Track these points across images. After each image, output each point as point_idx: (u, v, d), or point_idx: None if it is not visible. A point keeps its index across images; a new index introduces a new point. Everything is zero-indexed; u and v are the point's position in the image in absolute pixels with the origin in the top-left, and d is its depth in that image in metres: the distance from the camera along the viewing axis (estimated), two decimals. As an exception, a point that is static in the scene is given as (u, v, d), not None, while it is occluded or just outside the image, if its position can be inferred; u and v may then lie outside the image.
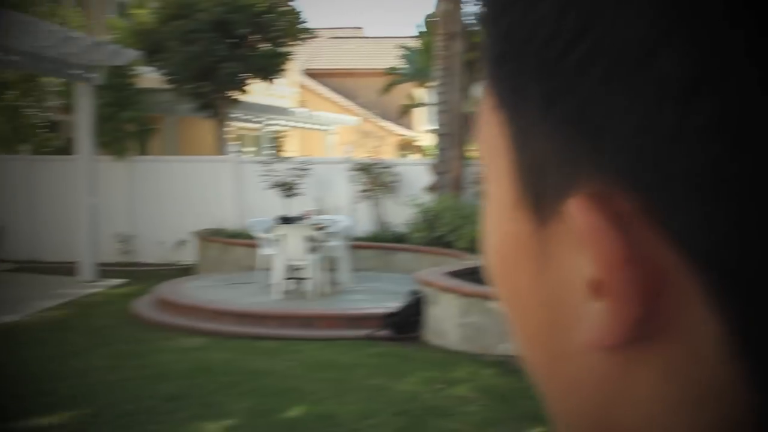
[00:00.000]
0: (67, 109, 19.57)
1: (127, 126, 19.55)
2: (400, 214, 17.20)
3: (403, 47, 22.50)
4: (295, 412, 8.49)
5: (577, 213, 0.42)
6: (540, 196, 0.45)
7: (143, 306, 13.51)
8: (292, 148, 30.14)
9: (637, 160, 0.40)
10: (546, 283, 0.46)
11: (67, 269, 17.61)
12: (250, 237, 15.68)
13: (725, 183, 0.38)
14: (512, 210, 0.47)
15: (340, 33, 49.94)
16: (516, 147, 0.46)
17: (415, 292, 11.74)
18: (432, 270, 12.54)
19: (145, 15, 22.05)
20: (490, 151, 0.49)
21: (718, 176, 0.38)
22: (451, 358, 10.38)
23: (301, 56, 37.27)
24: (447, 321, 11.01)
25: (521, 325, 0.49)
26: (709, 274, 0.40)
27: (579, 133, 0.41)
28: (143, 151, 21.68)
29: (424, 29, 19.29)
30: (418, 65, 20.17)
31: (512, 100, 0.45)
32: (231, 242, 16.83)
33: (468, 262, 12.90)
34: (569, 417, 0.48)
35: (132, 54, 17.45)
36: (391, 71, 22.16)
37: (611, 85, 0.39)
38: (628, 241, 0.41)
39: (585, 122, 0.41)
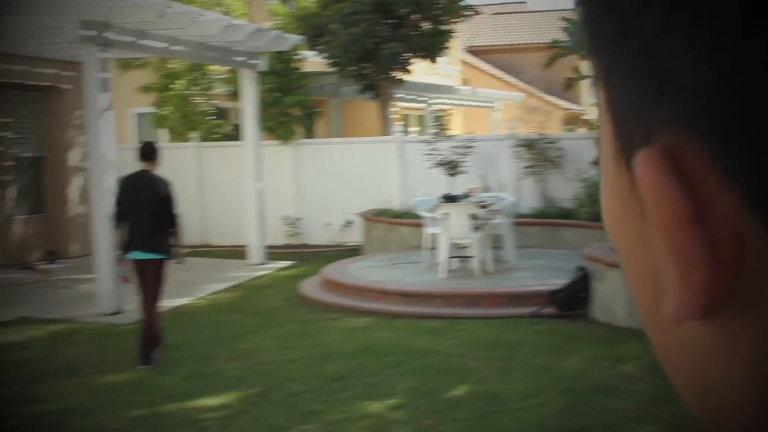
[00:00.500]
0: (234, 96, 19.96)
1: (291, 110, 19.81)
2: (565, 190, 16.92)
3: (565, 19, 22.07)
4: (458, 391, 8.44)
5: (640, 168, 0.39)
6: (628, 149, 0.42)
7: (310, 287, 13.68)
8: (455, 126, 30.07)
9: (698, 99, 0.37)
10: (645, 247, 0.43)
11: (236, 253, 18.00)
12: (415, 216, 15.69)
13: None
14: (613, 164, 0.44)
15: (503, 9, 49.60)
16: (605, 95, 0.43)
17: (581, 269, 11.54)
18: (599, 245, 12.30)
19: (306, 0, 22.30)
20: (599, 102, 0.46)
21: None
22: (619, 334, 10.15)
23: (464, 34, 37.14)
24: (614, 297, 10.78)
25: (631, 289, 0.47)
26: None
27: (646, 73, 0.38)
28: (308, 135, 21.95)
29: None
30: (579, 38, 19.79)
31: (592, 43, 0.43)
32: (396, 222, 16.88)
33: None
34: (681, 392, 0.44)
35: (294, 39, 17.65)
36: (554, 44, 21.78)
37: (671, 22, 0.37)
38: (695, 200, 0.38)
39: (650, 61, 0.38)
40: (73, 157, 18.99)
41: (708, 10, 0.35)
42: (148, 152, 10.11)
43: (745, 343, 0.38)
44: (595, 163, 16.66)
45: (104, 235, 12.69)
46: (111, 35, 12.97)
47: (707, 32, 0.36)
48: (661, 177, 0.38)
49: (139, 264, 9.76)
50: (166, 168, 18.72)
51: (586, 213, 15.38)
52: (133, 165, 9.95)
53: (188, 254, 17.94)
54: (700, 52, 0.36)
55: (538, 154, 17.61)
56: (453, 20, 21.69)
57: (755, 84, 0.34)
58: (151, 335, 9.79)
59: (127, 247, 9.79)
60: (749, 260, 0.37)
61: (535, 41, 42.09)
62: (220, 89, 20.96)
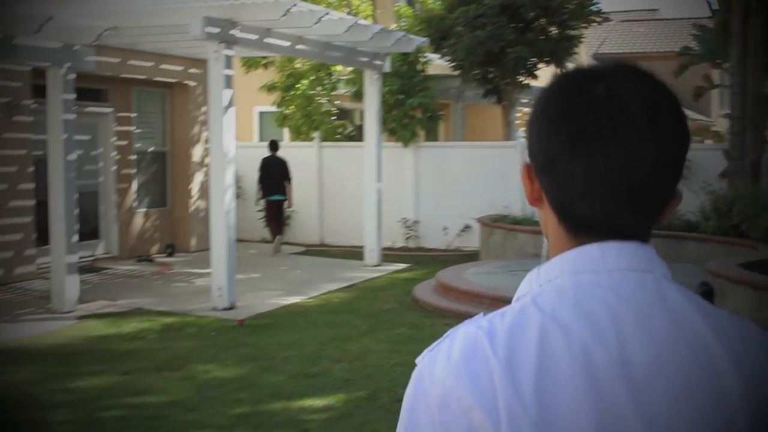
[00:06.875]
0: (357, 96, 19.95)
1: (414, 112, 19.69)
2: (691, 202, 16.42)
3: (696, 27, 21.47)
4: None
5: (521, 169, 1.47)
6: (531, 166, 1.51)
7: (425, 291, 13.54)
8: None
9: (533, 159, 1.45)
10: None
11: (353, 253, 17.98)
12: (534, 223, 15.41)
13: (547, 174, 1.43)
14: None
15: (634, 16, 48.84)
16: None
17: (704, 284, 11.12)
18: (724, 260, 11.88)
19: (432, 2, 22.17)
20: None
21: (545, 169, 1.42)
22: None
23: (590, 41, 36.53)
24: (739, 315, 10.33)
25: None
26: (547, 196, 1.45)
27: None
28: (430, 138, 21.82)
29: (717, 7, 18.27)
30: (712, 45, 19.19)
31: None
32: (515, 228, 16.60)
33: (763, 252, 12.13)
34: None
35: (419, 41, 17.50)
36: (684, 52, 21.22)
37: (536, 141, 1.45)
38: (529, 171, 1.46)
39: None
40: (196, 153, 19.22)
41: (545, 144, 1.42)
42: (275, 145, 18.77)
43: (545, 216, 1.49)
44: (724, 175, 16.15)
45: (222, 231, 12.75)
46: (236, 33, 13.03)
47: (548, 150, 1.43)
48: (523, 170, 1.46)
49: (274, 202, 18.51)
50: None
51: (712, 226, 14.87)
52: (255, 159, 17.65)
53: (301, 252, 18.29)
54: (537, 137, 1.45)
55: (664, 164, 17.12)
56: (581, 26, 21.31)
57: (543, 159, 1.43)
58: (280, 229, 18.71)
59: (267, 194, 18.44)
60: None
61: (663, 49, 41.29)
62: (343, 90, 20.98)
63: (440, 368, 1.34)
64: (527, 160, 1.45)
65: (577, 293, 1.34)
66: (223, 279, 12.70)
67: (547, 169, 1.39)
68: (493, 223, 17.15)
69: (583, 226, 1.40)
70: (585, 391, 1.27)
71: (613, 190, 1.36)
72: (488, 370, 1.28)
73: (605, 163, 1.34)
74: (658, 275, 1.42)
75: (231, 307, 12.65)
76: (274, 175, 18.44)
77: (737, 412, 1.31)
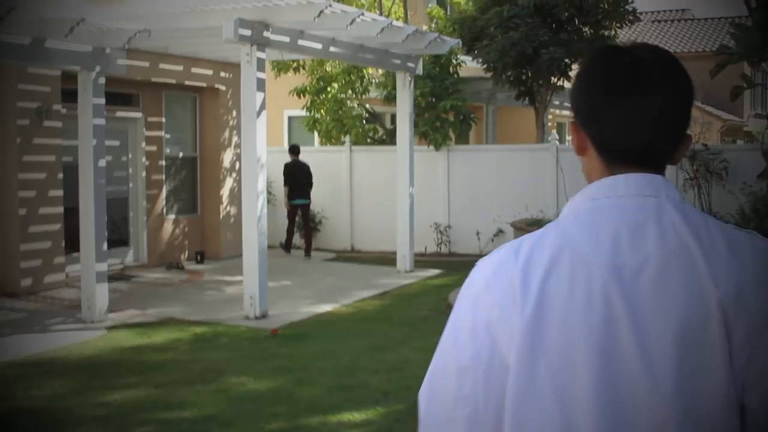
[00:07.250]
0: (387, 100, 19.71)
1: (446, 115, 19.43)
2: (728, 204, 16.10)
3: (732, 25, 21.05)
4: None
5: (571, 126, 1.92)
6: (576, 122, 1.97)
7: (460, 298, 13.26)
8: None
9: (579, 114, 1.88)
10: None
11: (384, 259, 17.73)
12: (569, 228, 15.04)
13: (591, 121, 1.85)
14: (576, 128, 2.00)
15: (665, 16, 48.46)
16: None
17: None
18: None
19: (464, 3, 21.89)
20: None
21: (589, 118, 1.85)
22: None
23: (621, 40, 36.02)
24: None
25: None
26: (592, 138, 1.85)
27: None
28: (461, 141, 21.54)
29: (755, 5, 17.84)
30: (749, 44, 18.78)
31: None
32: (549, 233, 16.27)
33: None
34: None
35: (452, 42, 17.21)
36: (721, 51, 20.82)
37: (580, 98, 1.89)
38: (578, 130, 1.87)
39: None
40: (226, 158, 19.03)
41: (589, 101, 1.86)
42: (297, 149, 19.13)
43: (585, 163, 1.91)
44: (763, 175, 15.78)
45: (254, 238, 12.53)
46: (269, 35, 12.82)
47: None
48: (572, 125, 1.88)
49: (300, 206, 18.85)
50: (318, 171, 18.72)
51: (752, 228, 14.48)
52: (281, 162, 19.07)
53: (331, 259, 18.09)
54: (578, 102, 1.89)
55: (701, 165, 16.82)
56: (615, 25, 20.94)
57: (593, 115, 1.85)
58: (309, 243, 18.89)
59: (293, 198, 18.72)
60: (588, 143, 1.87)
61: (694, 49, 40.88)
62: (374, 93, 20.74)
63: (479, 273, 1.81)
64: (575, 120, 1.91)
65: (588, 214, 1.78)
66: (255, 287, 12.48)
67: (591, 117, 1.83)
68: (528, 227, 16.81)
69: (619, 156, 1.81)
70: (581, 286, 1.69)
71: (644, 125, 1.78)
72: (509, 276, 1.73)
73: (635, 105, 1.77)
74: (663, 199, 1.77)
75: (263, 316, 12.43)
76: (300, 180, 18.76)
77: (712, 312, 1.66)
